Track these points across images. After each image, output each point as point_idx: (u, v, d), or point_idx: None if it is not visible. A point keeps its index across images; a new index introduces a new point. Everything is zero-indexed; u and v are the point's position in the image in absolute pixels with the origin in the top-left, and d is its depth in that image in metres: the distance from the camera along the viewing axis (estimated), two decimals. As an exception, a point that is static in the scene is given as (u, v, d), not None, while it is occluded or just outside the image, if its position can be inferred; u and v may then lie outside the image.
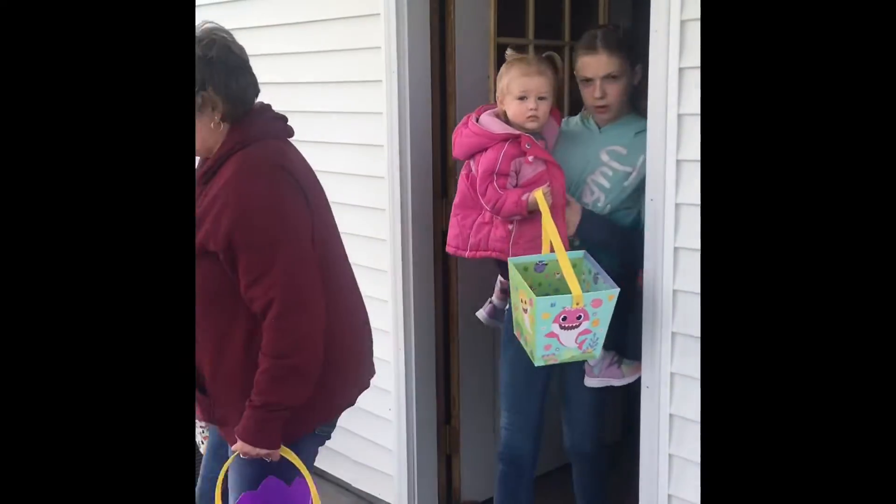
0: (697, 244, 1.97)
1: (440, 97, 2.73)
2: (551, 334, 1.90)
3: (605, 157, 2.22)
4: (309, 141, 3.05)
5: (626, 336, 2.20)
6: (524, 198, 2.08)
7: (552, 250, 1.97)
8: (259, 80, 3.16)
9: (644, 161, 2.10)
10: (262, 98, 3.18)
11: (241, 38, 3.15)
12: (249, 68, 1.83)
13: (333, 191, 2.97)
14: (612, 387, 2.30)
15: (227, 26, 1.84)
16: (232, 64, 1.76)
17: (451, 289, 2.87)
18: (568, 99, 3.04)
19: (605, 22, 2.96)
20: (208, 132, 1.74)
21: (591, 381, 2.31)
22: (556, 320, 1.87)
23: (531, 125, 2.16)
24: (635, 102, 2.27)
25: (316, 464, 3.27)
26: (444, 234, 2.81)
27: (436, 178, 2.78)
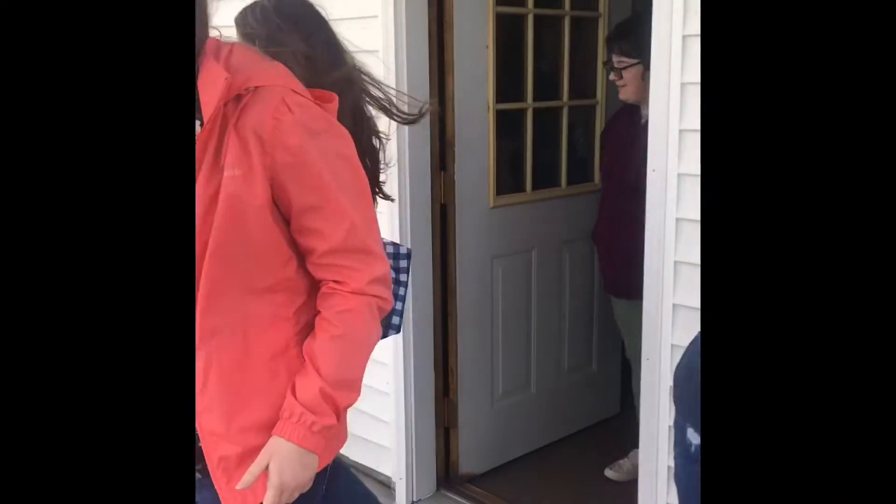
0: (699, 215, 1.95)
1: (438, 67, 2.70)
2: None
3: None
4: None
5: None
6: None
7: None
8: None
9: None
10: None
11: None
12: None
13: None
14: None
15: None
16: None
17: (450, 262, 2.85)
18: (568, 79, 3.02)
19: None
20: None
21: None
22: None
23: None
24: None
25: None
26: (443, 207, 2.80)
27: (434, 152, 2.75)
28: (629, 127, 2.70)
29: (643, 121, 2.49)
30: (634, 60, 2.60)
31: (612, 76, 2.72)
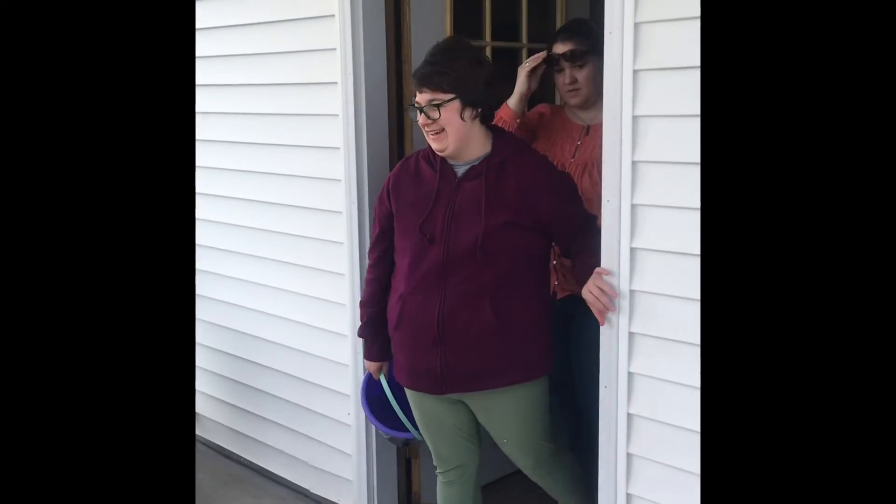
0: (653, 245, 1.99)
1: (397, 99, 2.72)
2: None
3: None
4: (265, 143, 3.03)
5: None
6: None
7: None
8: (214, 82, 3.15)
9: None
10: (217, 101, 3.16)
11: (199, 39, 3.13)
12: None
13: (290, 193, 2.96)
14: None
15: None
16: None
17: (410, 291, 2.85)
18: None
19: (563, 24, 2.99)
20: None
21: None
22: None
23: None
24: None
25: (273, 469, 3.26)
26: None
27: (393, 159, 2.75)
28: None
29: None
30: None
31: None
